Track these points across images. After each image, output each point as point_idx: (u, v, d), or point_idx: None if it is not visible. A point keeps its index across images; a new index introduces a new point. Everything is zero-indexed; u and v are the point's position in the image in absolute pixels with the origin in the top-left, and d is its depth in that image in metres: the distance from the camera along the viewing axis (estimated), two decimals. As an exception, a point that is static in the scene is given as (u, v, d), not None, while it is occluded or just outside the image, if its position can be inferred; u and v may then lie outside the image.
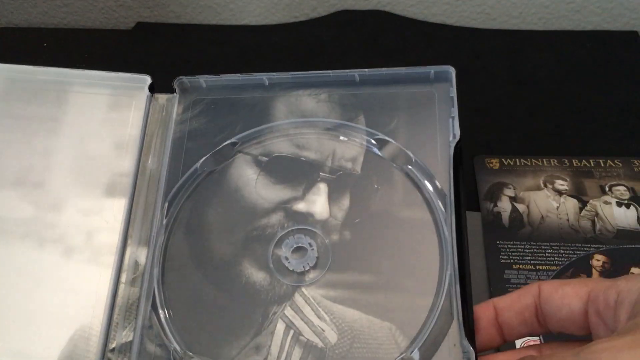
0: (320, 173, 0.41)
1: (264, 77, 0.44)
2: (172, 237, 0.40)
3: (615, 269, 0.47)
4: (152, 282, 0.38)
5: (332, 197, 0.40)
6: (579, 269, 0.47)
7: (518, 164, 0.54)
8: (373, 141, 0.41)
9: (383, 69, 0.43)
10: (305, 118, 0.43)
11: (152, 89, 0.44)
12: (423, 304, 0.36)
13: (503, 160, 0.54)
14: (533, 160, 0.54)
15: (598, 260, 0.47)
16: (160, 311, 0.38)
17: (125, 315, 0.38)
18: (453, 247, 0.36)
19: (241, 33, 0.71)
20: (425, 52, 0.66)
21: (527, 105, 0.60)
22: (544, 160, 0.54)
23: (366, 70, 0.43)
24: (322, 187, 0.40)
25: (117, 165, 0.42)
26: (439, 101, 0.42)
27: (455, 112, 0.41)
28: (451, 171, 0.39)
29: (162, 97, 0.44)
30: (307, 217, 0.39)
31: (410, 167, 0.40)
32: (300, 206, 0.40)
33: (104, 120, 0.44)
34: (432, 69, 0.42)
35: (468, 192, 0.51)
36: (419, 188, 0.39)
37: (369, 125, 0.42)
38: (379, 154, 0.41)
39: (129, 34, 0.72)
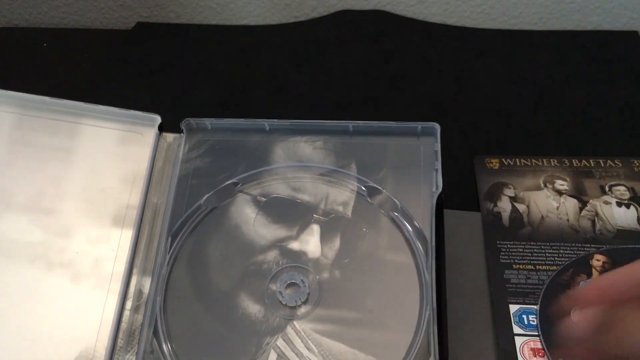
0: (314, 215, 0.44)
1: (266, 123, 0.48)
2: (175, 268, 0.43)
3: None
4: (154, 310, 0.41)
5: (324, 238, 0.43)
6: (579, 269, 0.47)
7: (518, 164, 0.54)
8: (363, 188, 0.45)
9: (374, 122, 0.47)
10: (302, 163, 0.46)
11: (161, 128, 0.48)
12: (403, 341, 0.39)
13: (503, 160, 0.55)
14: (533, 160, 0.54)
15: (598, 260, 0.47)
16: (162, 338, 0.41)
17: (129, 340, 0.41)
18: (432, 290, 0.40)
19: (241, 33, 0.71)
20: (425, 52, 0.67)
21: (527, 105, 0.60)
22: (544, 160, 0.54)
23: (359, 122, 0.47)
24: (315, 228, 0.44)
25: (124, 198, 0.45)
26: (424, 154, 0.46)
27: (438, 165, 0.44)
28: (433, 220, 0.43)
29: (169, 136, 0.48)
30: (300, 255, 0.43)
31: (396, 213, 0.44)
32: (295, 245, 0.43)
33: (113, 154, 0.46)
34: (419, 125, 0.46)
35: (467, 195, 0.52)
36: (403, 233, 0.43)
37: (360, 173, 0.45)
38: (368, 200, 0.45)
39: (129, 34, 0.72)
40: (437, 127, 0.45)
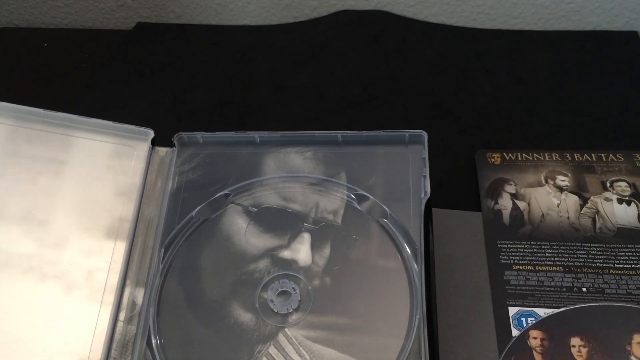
0: (305, 224, 0.45)
1: (256, 135, 0.48)
2: (167, 279, 0.44)
3: (555, 344, 0.43)
4: (148, 320, 0.42)
5: (315, 246, 0.44)
6: (519, 356, 0.43)
7: (520, 158, 0.54)
8: (353, 196, 0.45)
9: (363, 131, 0.47)
10: (292, 173, 0.47)
11: (154, 141, 0.48)
12: (394, 345, 0.40)
13: (504, 154, 0.55)
14: (534, 155, 0.54)
15: (535, 338, 0.44)
16: (155, 348, 0.41)
17: (122, 351, 0.42)
18: (422, 295, 0.40)
19: (241, 33, 0.72)
20: (425, 52, 0.67)
21: (527, 105, 0.60)
22: (546, 154, 0.54)
23: (348, 132, 0.48)
24: (306, 237, 0.44)
25: (117, 211, 0.46)
26: (412, 161, 0.46)
27: (426, 171, 0.45)
28: (422, 225, 0.43)
29: (162, 150, 0.48)
30: (291, 263, 0.43)
31: (385, 220, 0.44)
32: (286, 253, 0.44)
33: (106, 167, 0.47)
34: (407, 133, 0.47)
35: (468, 192, 0.53)
36: (393, 240, 0.44)
37: (350, 182, 0.46)
38: (358, 207, 0.45)
39: (129, 34, 0.72)
40: (425, 134, 0.46)
